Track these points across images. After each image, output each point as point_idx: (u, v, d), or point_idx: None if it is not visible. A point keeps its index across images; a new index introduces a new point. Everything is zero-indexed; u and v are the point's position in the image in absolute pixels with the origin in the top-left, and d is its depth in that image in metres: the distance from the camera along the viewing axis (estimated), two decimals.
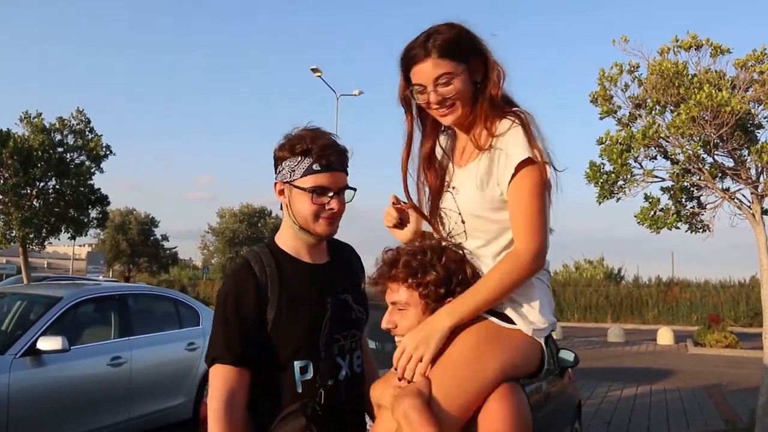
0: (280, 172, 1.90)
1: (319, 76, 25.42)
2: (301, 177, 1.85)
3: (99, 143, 12.70)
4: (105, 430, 5.98)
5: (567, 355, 5.43)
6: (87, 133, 12.62)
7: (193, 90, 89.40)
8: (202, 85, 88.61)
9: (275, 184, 1.93)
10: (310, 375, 1.82)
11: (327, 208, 1.85)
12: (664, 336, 20.38)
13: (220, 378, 1.76)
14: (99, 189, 13.15)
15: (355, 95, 27.67)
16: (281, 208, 1.94)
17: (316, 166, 1.84)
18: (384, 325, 1.75)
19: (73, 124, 12.83)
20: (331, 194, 1.85)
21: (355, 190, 1.92)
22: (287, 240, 1.93)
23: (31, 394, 5.33)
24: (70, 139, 12.81)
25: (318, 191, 1.84)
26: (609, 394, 10.57)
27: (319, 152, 1.83)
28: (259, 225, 47.70)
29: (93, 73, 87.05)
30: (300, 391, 1.80)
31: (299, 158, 1.85)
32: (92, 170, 12.89)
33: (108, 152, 13.08)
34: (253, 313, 1.78)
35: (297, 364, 1.81)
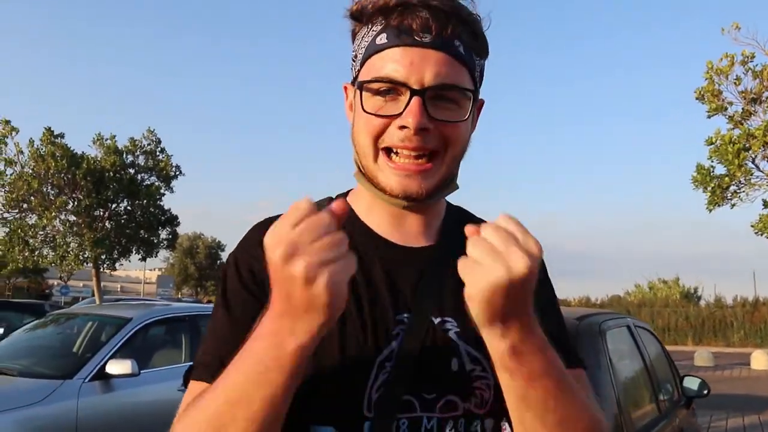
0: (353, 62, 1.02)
1: None
2: (360, 65, 0.97)
3: (169, 163, 12.69)
4: None
5: (692, 383, 4.66)
6: (158, 153, 12.62)
7: (259, 115, 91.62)
8: (267, 109, 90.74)
9: (344, 89, 1.06)
10: None
11: (398, 126, 0.91)
12: (759, 360, 18.92)
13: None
14: (169, 209, 13.16)
15: None
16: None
17: (382, 38, 0.93)
18: None
19: (144, 145, 12.91)
20: (406, 97, 0.90)
21: (474, 96, 0.96)
22: (362, 195, 1.04)
23: (99, 421, 5.09)
24: (141, 160, 12.87)
25: (378, 90, 0.92)
26: (713, 425, 9.60)
27: (394, 8, 0.92)
28: None
29: (162, 95, 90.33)
30: None
31: (367, 28, 0.96)
32: (162, 190, 12.91)
33: (178, 172, 13.04)
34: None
35: None
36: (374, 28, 0.94)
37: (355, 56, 0.99)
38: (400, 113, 0.90)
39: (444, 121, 0.91)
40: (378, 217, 1.02)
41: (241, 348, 0.82)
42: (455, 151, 0.95)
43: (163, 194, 12.93)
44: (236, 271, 0.97)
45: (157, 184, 12.97)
